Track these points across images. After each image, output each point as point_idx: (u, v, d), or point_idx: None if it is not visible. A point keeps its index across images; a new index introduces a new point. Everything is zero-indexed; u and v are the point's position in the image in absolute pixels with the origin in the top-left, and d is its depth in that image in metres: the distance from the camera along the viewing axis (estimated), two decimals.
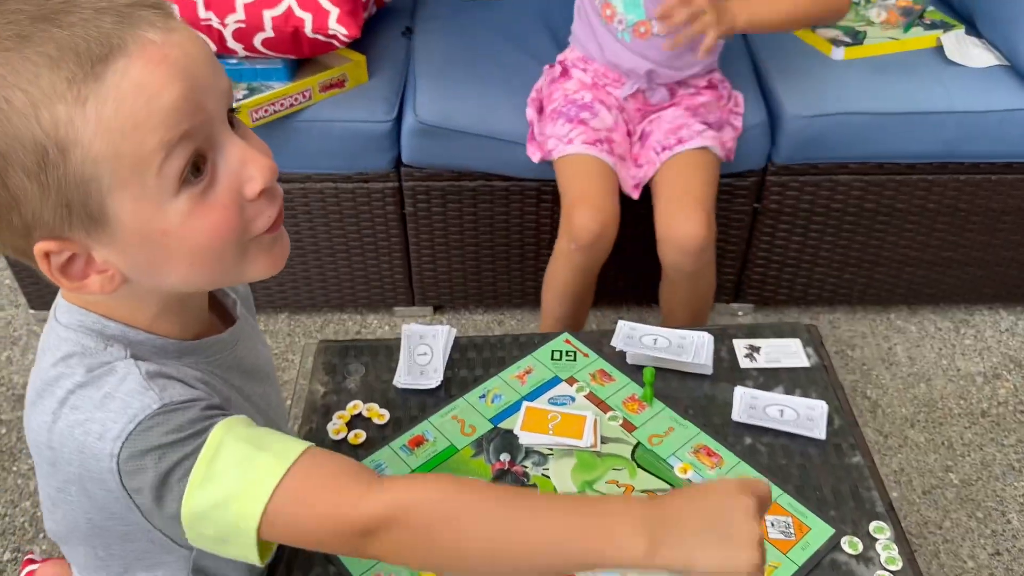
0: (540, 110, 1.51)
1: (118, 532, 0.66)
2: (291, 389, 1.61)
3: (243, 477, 0.58)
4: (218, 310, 0.76)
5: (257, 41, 1.43)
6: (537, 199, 1.60)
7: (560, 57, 1.53)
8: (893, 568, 0.88)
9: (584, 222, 1.35)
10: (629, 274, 1.66)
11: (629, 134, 1.46)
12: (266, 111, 1.45)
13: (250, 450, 0.59)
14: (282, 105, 1.47)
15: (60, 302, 0.67)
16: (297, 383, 1.12)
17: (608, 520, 0.58)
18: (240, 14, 1.40)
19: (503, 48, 1.66)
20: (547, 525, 0.59)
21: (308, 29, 1.39)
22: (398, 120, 1.53)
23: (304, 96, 1.49)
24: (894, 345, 1.76)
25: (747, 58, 1.66)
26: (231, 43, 1.45)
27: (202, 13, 1.41)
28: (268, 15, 1.39)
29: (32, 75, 0.52)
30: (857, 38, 1.63)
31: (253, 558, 0.60)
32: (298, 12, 1.38)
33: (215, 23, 1.41)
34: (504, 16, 1.76)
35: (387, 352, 1.15)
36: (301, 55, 1.48)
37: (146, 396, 0.59)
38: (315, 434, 1.04)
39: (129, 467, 0.58)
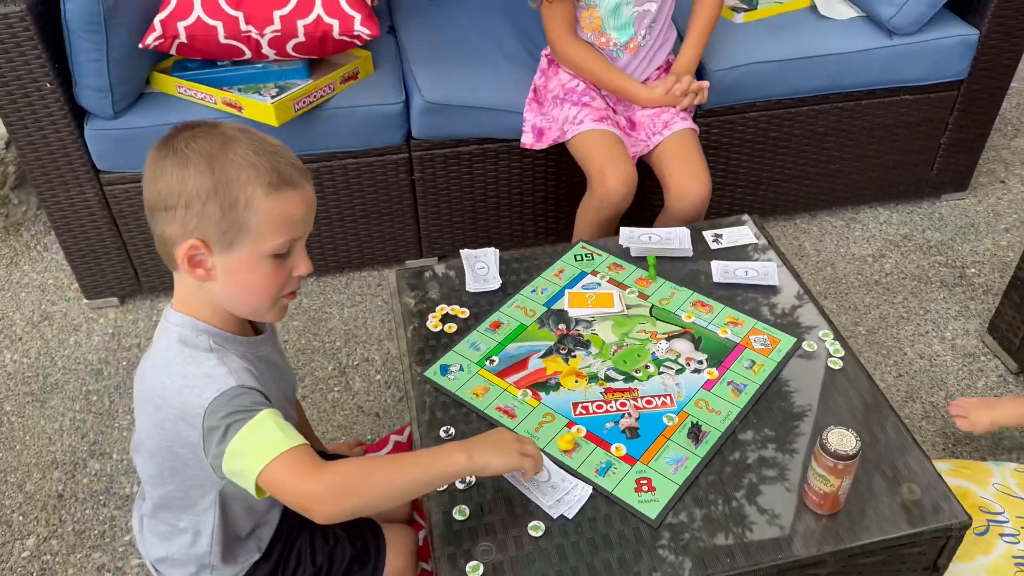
0: (539, 103, 1.87)
1: (184, 458, 1.02)
2: (340, 325, 1.96)
3: (262, 445, 0.95)
4: (252, 325, 1.15)
5: (289, 46, 1.75)
6: (521, 157, 1.98)
7: (545, 51, 1.91)
8: (839, 355, 1.32)
9: (615, 185, 1.71)
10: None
11: (615, 113, 1.85)
12: (304, 102, 1.77)
13: (275, 432, 0.96)
14: (315, 96, 1.79)
15: (170, 312, 1.05)
16: (392, 305, 1.47)
17: (444, 452, 1.04)
18: (277, 24, 1.71)
19: (476, 37, 2.03)
20: (416, 464, 1.02)
21: (336, 32, 1.72)
22: (406, 102, 1.88)
23: (329, 88, 1.82)
24: (803, 243, 2.24)
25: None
26: (265, 49, 1.76)
27: (243, 27, 1.71)
28: (300, 23, 1.71)
29: (254, 171, 0.97)
30: (751, 4, 2.09)
31: (252, 491, 0.96)
32: (326, 19, 1.71)
33: (254, 34, 1.72)
34: (468, 12, 2.14)
35: (451, 273, 1.51)
36: (323, 55, 1.80)
37: (229, 378, 0.98)
38: (418, 331, 1.39)
39: (209, 419, 0.96)
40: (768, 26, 2.05)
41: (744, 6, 2.09)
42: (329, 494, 0.96)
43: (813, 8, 2.11)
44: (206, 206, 0.96)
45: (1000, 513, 1.47)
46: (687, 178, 1.73)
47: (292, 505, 0.98)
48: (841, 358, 1.32)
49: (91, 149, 1.81)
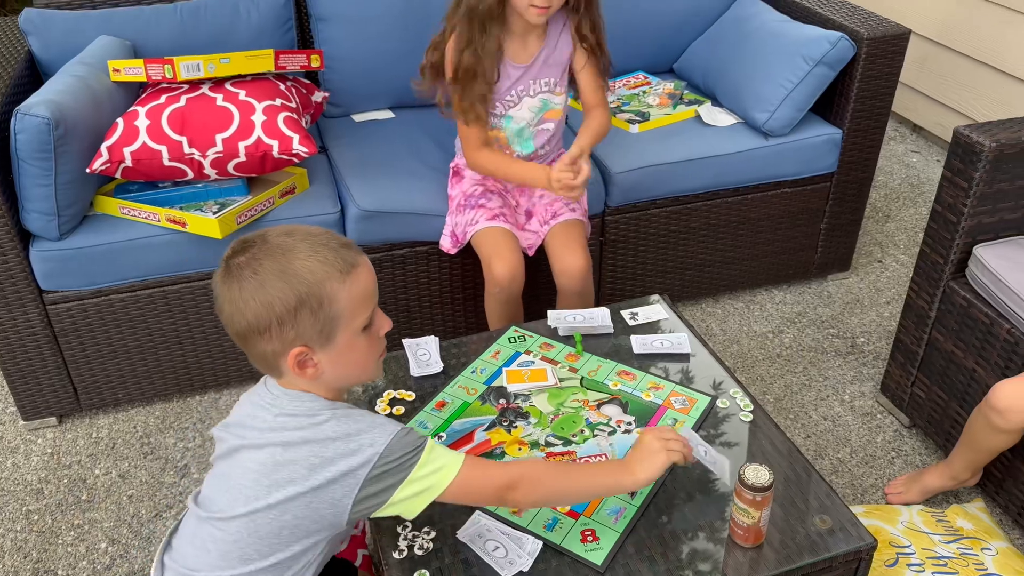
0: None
1: (317, 514, 1.09)
2: None
3: (446, 462, 1.11)
4: None
5: (230, 166, 1.89)
6: (449, 256, 2.14)
7: (452, 163, 2.11)
8: (748, 410, 1.48)
9: (500, 271, 1.90)
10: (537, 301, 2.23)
11: (517, 205, 2.05)
12: (247, 215, 1.90)
13: (445, 449, 1.14)
14: (256, 210, 1.93)
15: (277, 390, 1.14)
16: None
17: (612, 472, 1.22)
18: (219, 147, 1.85)
19: (399, 151, 2.22)
20: (589, 474, 1.23)
21: (275, 152, 1.87)
22: (342, 212, 2.03)
23: (270, 202, 1.96)
24: (709, 324, 2.45)
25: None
26: (207, 170, 1.89)
27: (186, 149, 1.85)
28: (242, 145, 1.86)
29: (322, 267, 1.07)
30: (645, 117, 2.36)
31: (420, 508, 1.11)
32: (266, 140, 1.86)
33: (197, 156, 1.86)
34: (389, 131, 2.34)
35: (395, 360, 1.62)
36: (262, 173, 1.94)
37: (390, 423, 1.12)
38: None
39: (383, 461, 1.08)
40: (660, 134, 2.32)
41: (638, 119, 2.36)
42: (524, 480, 1.15)
43: (698, 118, 2.40)
44: (298, 317, 1.06)
45: (908, 546, 1.63)
46: (567, 253, 1.93)
47: (492, 497, 1.16)
48: (751, 411, 1.48)
49: (36, 270, 1.87)
